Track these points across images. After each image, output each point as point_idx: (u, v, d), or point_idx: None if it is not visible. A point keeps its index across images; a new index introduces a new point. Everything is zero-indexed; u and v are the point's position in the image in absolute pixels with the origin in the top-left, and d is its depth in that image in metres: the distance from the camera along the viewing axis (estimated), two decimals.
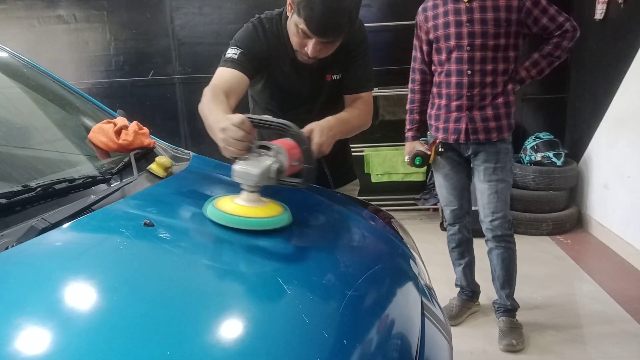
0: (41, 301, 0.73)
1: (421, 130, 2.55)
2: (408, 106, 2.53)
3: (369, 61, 1.63)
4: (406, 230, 1.47)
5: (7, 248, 0.85)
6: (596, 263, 3.33)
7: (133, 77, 4.53)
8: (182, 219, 1.12)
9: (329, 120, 1.38)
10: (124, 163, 1.29)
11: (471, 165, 2.46)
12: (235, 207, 1.04)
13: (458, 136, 2.34)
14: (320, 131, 1.31)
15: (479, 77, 2.26)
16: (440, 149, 2.40)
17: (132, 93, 4.55)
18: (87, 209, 1.02)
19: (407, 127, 2.54)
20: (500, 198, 2.36)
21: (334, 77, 1.60)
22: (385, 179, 4.14)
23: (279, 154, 1.12)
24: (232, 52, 1.49)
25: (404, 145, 4.28)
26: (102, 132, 1.38)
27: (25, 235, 0.88)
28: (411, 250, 1.35)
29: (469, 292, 2.67)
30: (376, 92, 3.89)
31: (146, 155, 1.41)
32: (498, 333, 2.45)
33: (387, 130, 4.27)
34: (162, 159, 1.35)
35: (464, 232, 2.59)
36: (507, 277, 2.48)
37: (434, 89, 2.42)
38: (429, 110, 2.47)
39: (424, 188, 4.41)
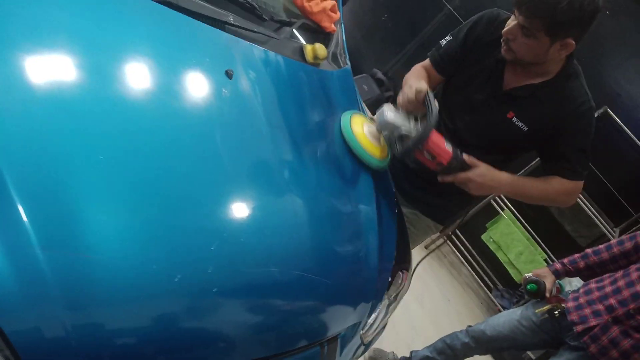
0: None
1: (565, 274, 1.99)
2: (588, 250, 1.96)
3: (582, 149, 1.34)
4: None
5: None
6: None
7: None
8: (267, 103, 1.04)
9: (504, 174, 1.35)
10: (289, 21, 1.25)
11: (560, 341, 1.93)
12: (360, 132, 1.26)
13: (582, 330, 1.80)
14: (482, 173, 1.30)
15: None
16: (556, 313, 1.89)
17: None
18: (217, 23, 0.99)
19: (566, 259, 1.99)
20: None
21: (516, 121, 1.35)
22: None
23: (417, 128, 1.23)
24: (441, 43, 1.46)
25: None
26: None
27: None
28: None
29: None
30: None
31: (315, 32, 1.35)
32: None
33: None
34: (320, 49, 1.28)
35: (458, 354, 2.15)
36: None
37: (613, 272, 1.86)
38: (589, 284, 1.93)
39: None
